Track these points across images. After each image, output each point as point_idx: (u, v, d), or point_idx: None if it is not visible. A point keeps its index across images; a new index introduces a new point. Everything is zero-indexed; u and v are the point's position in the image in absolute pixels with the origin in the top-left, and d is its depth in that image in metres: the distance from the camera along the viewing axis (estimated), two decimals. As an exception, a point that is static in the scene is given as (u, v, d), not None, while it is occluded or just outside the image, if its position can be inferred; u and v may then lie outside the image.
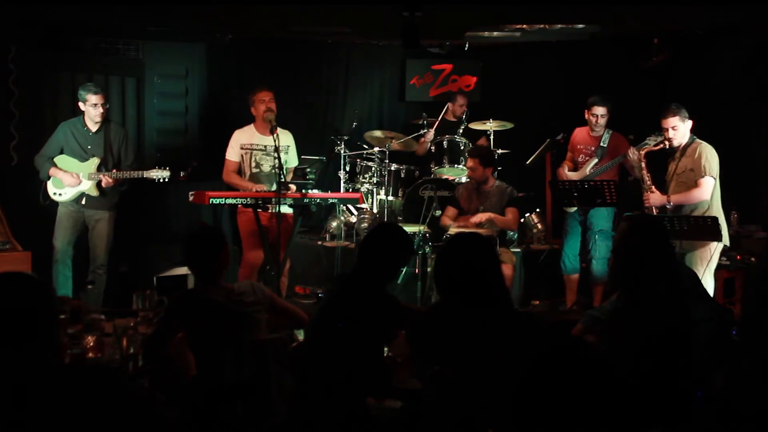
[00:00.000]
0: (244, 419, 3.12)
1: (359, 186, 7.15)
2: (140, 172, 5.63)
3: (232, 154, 5.48)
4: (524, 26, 6.74)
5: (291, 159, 5.64)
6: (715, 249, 4.85)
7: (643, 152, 5.16)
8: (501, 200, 5.86)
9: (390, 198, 7.11)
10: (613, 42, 7.54)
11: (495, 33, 7.20)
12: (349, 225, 6.89)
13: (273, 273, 5.08)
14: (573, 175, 5.87)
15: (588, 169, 5.83)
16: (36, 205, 5.71)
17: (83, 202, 5.64)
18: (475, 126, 7.39)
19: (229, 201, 5.07)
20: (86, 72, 6.77)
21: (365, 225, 6.70)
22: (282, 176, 5.00)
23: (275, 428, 3.18)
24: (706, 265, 4.81)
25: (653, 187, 5.11)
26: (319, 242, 6.94)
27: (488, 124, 7.31)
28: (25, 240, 5.58)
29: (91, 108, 5.58)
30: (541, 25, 6.70)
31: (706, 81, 6.55)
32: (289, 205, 5.29)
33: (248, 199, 5.05)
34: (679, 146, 5.06)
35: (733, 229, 5.77)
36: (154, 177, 5.61)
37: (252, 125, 5.53)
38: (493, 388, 2.50)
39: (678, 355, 2.73)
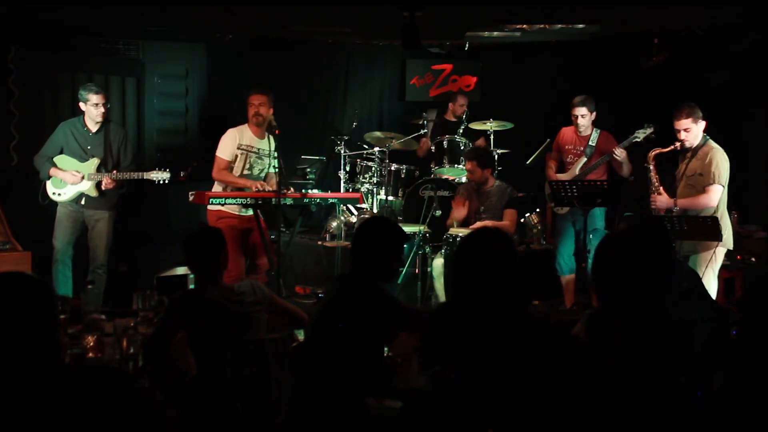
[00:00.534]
0: (244, 419, 3.12)
1: (359, 186, 7.16)
2: (140, 173, 5.63)
3: (226, 152, 5.35)
4: (524, 26, 6.75)
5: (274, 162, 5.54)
6: (717, 250, 4.82)
7: (652, 154, 5.09)
8: (501, 200, 5.87)
9: (390, 198, 7.12)
10: (613, 42, 7.54)
11: (495, 33, 7.21)
12: (349, 225, 6.89)
13: (273, 273, 5.08)
14: (561, 176, 5.87)
15: (577, 168, 5.83)
16: (36, 205, 5.71)
17: (82, 202, 5.64)
18: (475, 126, 7.39)
19: (230, 201, 5.07)
20: (86, 72, 6.77)
21: (365, 225, 6.69)
22: (283, 175, 4.99)
23: (275, 428, 3.18)
24: (706, 266, 4.80)
25: (661, 188, 5.04)
26: (319, 242, 6.95)
27: (488, 124, 7.32)
28: (25, 240, 5.58)
29: (93, 108, 5.57)
30: (541, 25, 6.71)
31: (706, 81, 6.55)
32: (290, 205, 5.27)
33: (248, 199, 5.04)
34: (691, 147, 4.95)
35: (733, 229, 5.75)
36: (154, 178, 5.60)
37: (246, 125, 5.42)
38: (496, 388, 2.50)
39: (673, 356, 2.72)
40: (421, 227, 6.19)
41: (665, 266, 2.99)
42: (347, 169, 7.32)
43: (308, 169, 7.63)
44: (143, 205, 6.55)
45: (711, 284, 4.75)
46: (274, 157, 5.27)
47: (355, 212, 7.02)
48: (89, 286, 4.77)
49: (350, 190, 7.16)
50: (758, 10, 5.51)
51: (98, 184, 5.61)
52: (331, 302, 3.20)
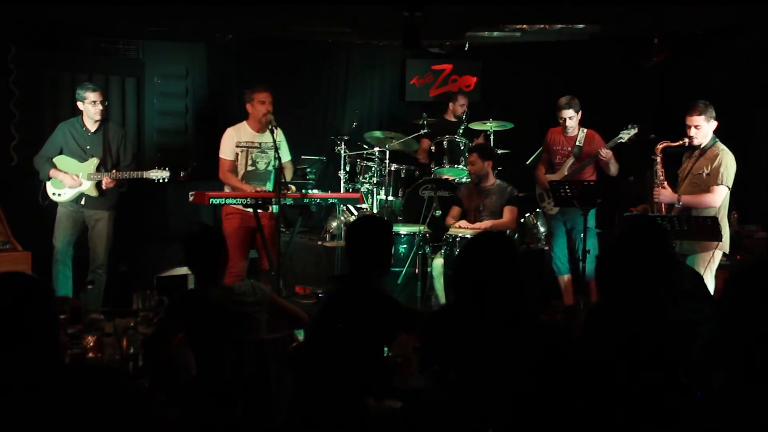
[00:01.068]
0: (244, 419, 3.12)
1: (359, 186, 7.16)
2: (140, 172, 5.63)
3: (227, 152, 5.37)
4: (524, 26, 6.75)
5: (284, 154, 5.54)
6: (715, 251, 4.82)
7: (660, 147, 5.07)
8: (501, 198, 5.89)
9: (390, 198, 7.12)
10: (613, 42, 7.55)
11: (495, 33, 7.22)
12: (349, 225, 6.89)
13: (273, 273, 5.08)
14: (550, 177, 5.88)
15: (566, 169, 5.84)
16: (36, 205, 5.71)
17: (82, 202, 5.64)
18: (475, 126, 7.39)
19: (229, 201, 5.07)
20: (86, 72, 6.78)
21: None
22: (282, 176, 4.99)
23: (275, 428, 3.18)
24: (706, 266, 4.80)
25: (666, 183, 5.01)
26: (319, 242, 6.95)
27: (488, 124, 7.32)
28: (25, 240, 5.59)
29: (91, 106, 5.56)
30: (541, 25, 6.71)
31: (706, 81, 6.55)
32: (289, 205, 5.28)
33: (248, 199, 5.04)
34: (699, 146, 4.89)
35: (733, 229, 5.75)
36: (154, 177, 5.60)
37: (245, 122, 5.42)
38: (497, 389, 2.50)
39: (673, 356, 2.72)
40: (421, 227, 6.19)
41: (665, 266, 2.99)
42: (347, 169, 7.32)
43: (308, 169, 7.63)
44: (143, 204, 6.55)
45: (709, 285, 4.75)
46: (276, 157, 5.24)
47: (355, 212, 7.02)
48: (89, 286, 4.77)
49: (350, 190, 7.15)
50: (758, 10, 5.51)
51: (98, 184, 5.60)
52: (330, 302, 3.20)
